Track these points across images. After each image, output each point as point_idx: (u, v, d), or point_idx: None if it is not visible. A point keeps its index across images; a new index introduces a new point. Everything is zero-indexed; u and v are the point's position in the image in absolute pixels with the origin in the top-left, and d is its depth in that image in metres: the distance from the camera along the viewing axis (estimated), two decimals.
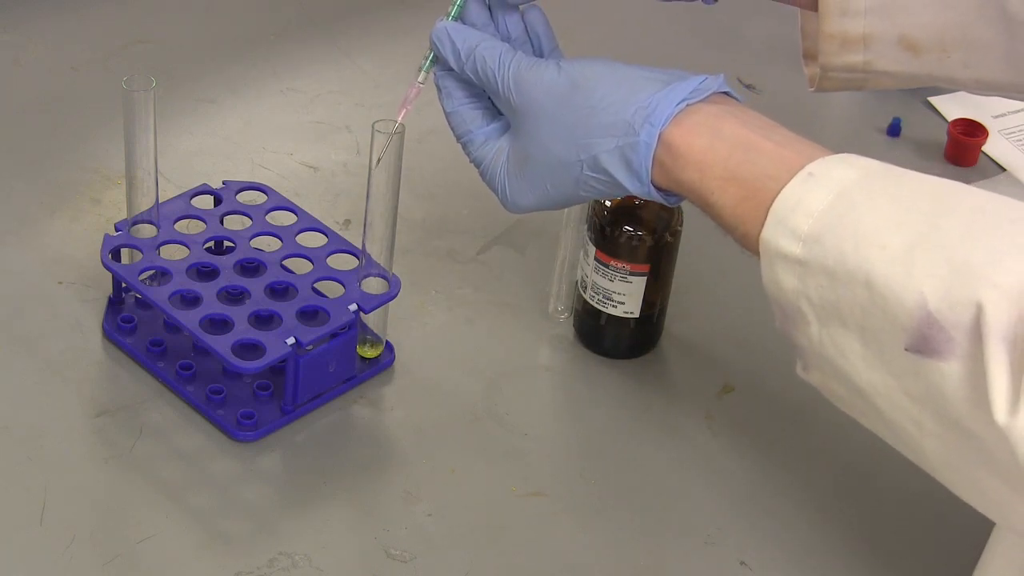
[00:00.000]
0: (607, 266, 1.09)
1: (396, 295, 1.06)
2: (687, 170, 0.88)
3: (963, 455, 0.79)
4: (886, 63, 1.03)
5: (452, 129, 0.98)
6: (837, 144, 1.36)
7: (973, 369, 0.76)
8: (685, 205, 1.10)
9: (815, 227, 0.82)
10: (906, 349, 0.78)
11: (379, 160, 1.01)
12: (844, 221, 0.81)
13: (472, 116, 0.97)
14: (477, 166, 0.98)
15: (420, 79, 1.00)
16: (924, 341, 0.77)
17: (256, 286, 1.06)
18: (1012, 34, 0.98)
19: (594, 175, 0.91)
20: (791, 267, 0.83)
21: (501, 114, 0.97)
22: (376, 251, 1.05)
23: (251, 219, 1.11)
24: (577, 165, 0.91)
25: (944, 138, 1.36)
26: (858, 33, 1.02)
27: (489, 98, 0.97)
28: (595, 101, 0.91)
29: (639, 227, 1.08)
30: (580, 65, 0.93)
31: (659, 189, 0.90)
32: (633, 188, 0.90)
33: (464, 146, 0.98)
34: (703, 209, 0.89)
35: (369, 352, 1.09)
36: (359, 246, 1.06)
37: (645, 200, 1.07)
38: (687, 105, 0.89)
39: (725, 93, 0.91)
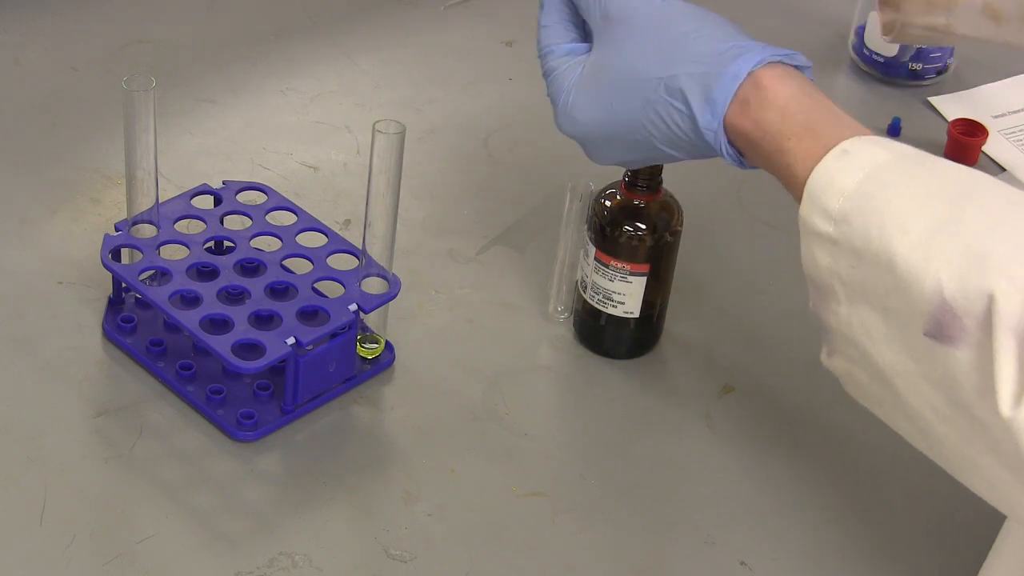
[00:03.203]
0: (607, 266, 1.09)
1: (396, 295, 1.06)
2: (770, 111, 0.88)
3: (973, 443, 0.80)
4: (967, 28, 1.05)
5: (538, 43, 0.98)
6: None
7: (983, 359, 0.77)
8: (686, 205, 1.10)
9: (845, 207, 0.83)
10: (924, 334, 0.79)
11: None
12: (872, 202, 0.82)
13: (562, 32, 0.97)
14: (548, 76, 0.97)
15: None
16: (939, 327, 0.78)
17: (256, 286, 1.06)
18: None
19: (668, 98, 0.90)
20: (825, 245, 0.84)
21: (588, 41, 0.97)
22: (376, 251, 1.05)
23: (251, 219, 1.11)
24: (654, 84, 0.90)
25: (944, 138, 1.36)
26: None
27: (583, 25, 0.97)
28: (691, 29, 0.91)
29: (639, 227, 1.07)
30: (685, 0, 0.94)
31: (726, 133, 0.89)
32: (703, 119, 0.89)
33: (544, 57, 0.97)
34: (768, 158, 0.88)
35: (369, 352, 1.09)
36: (359, 246, 1.06)
37: (645, 200, 1.07)
38: (778, 60, 0.90)
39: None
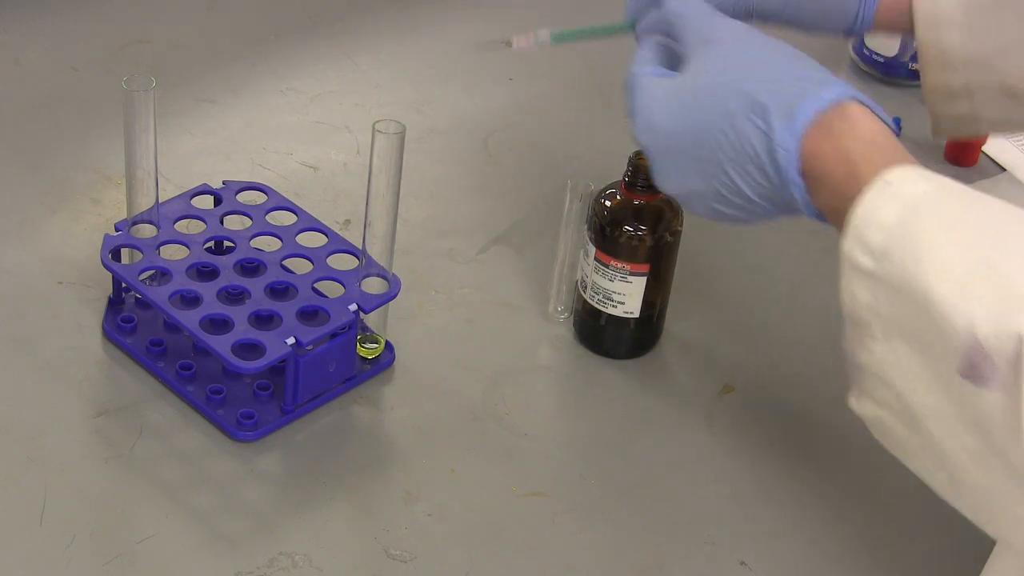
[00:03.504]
0: (607, 266, 1.09)
1: (396, 295, 1.06)
2: (855, 140, 0.86)
3: (1007, 489, 0.78)
4: (992, 111, 1.05)
5: (630, 68, 0.97)
6: None
7: (1012, 401, 0.75)
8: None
9: (886, 241, 0.81)
10: (958, 374, 0.77)
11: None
12: (911, 237, 0.80)
13: (653, 59, 0.97)
14: (631, 90, 0.95)
15: (544, 36, 1.05)
16: (972, 367, 0.77)
17: (256, 286, 1.06)
18: None
19: (748, 111, 0.88)
20: (865, 280, 0.82)
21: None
22: (376, 251, 1.05)
23: (251, 219, 1.11)
24: (738, 95, 0.89)
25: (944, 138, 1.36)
26: (960, 85, 1.05)
27: (675, 66, 0.97)
28: (783, 54, 0.91)
29: (639, 227, 1.08)
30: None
31: (799, 159, 0.87)
32: (780, 137, 0.87)
33: (630, 77, 0.96)
34: (837, 190, 0.86)
35: (369, 352, 1.09)
36: (359, 246, 1.06)
37: (645, 200, 1.07)
38: (864, 102, 0.89)
39: None
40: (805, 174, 0.87)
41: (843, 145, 0.86)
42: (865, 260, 0.82)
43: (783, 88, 0.88)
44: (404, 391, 1.09)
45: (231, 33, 1.40)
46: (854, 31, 1.06)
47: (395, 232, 1.04)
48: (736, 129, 0.89)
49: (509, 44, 1.07)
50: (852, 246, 0.83)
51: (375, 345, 1.09)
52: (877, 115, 0.88)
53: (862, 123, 0.87)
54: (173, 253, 1.08)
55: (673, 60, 0.97)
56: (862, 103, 0.88)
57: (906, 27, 1.08)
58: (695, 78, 0.92)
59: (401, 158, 1.01)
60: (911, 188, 0.83)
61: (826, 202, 0.87)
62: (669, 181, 0.94)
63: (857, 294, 0.83)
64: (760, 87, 0.88)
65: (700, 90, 0.91)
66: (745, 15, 1.07)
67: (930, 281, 0.79)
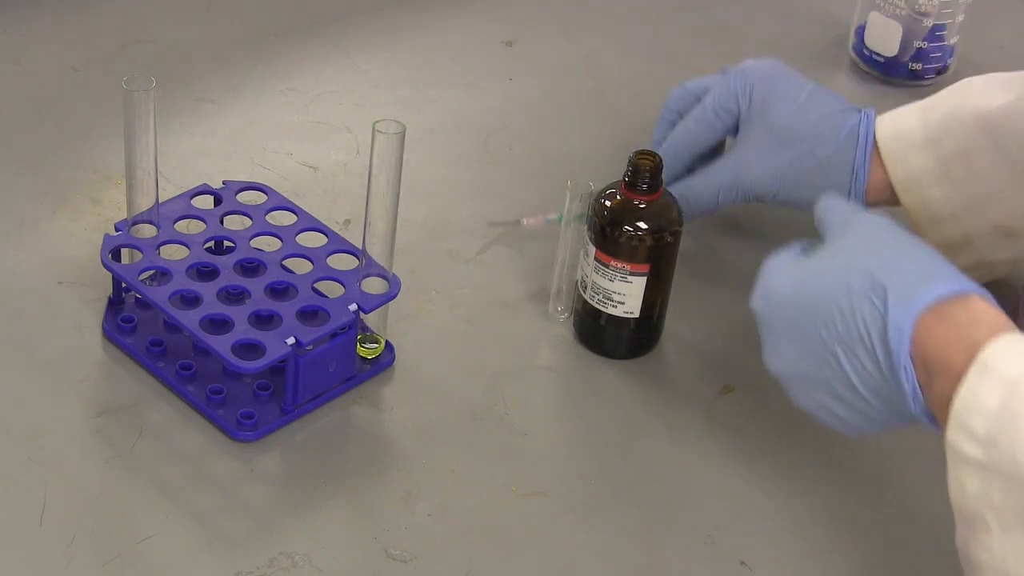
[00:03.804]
0: (607, 266, 1.09)
1: (396, 295, 1.06)
2: (977, 326, 0.84)
3: None
4: (995, 252, 1.07)
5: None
6: None
7: None
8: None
9: (991, 427, 0.80)
10: None
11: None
12: (1017, 421, 0.79)
13: (802, 244, 0.98)
14: (765, 263, 0.96)
15: (553, 217, 1.12)
16: None
17: (256, 286, 1.06)
18: None
19: (868, 290, 0.87)
20: (974, 471, 0.81)
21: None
22: (376, 251, 1.05)
23: (251, 219, 1.11)
24: (859, 274, 0.88)
25: None
26: (957, 236, 1.07)
27: None
28: (915, 245, 0.90)
29: (639, 227, 1.07)
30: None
31: (913, 343, 0.86)
32: (894, 318, 0.85)
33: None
34: (954, 376, 0.84)
35: (369, 352, 1.09)
36: (359, 246, 1.06)
37: (645, 200, 1.07)
38: (989, 299, 0.88)
39: None
40: (916, 362, 0.85)
41: (960, 333, 0.84)
42: (971, 449, 0.80)
43: (907, 275, 0.87)
44: (404, 391, 1.09)
45: (231, 33, 1.40)
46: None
47: (395, 232, 1.04)
48: (852, 306, 0.88)
49: (519, 223, 1.16)
50: (956, 435, 0.81)
51: (375, 345, 1.09)
52: (1000, 309, 0.86)
53: (982, 313, 0.85)
54: (173, 253, 1.07)
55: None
56: (984, 298, 0.86)
57: (895, 200, 1.11)
58: (823, 256, 0.92)
59: (401, 158, 1.01)
60: (1010, 367, 0.81)
61: (939, 392, 0.84)
62: (776, 358, 0.93)
63: (966, 486, 0.81)
64: (884, 271, 0.87)
65: (824, 266, 0.91)
66: (743, 197, 1.13)
67: None
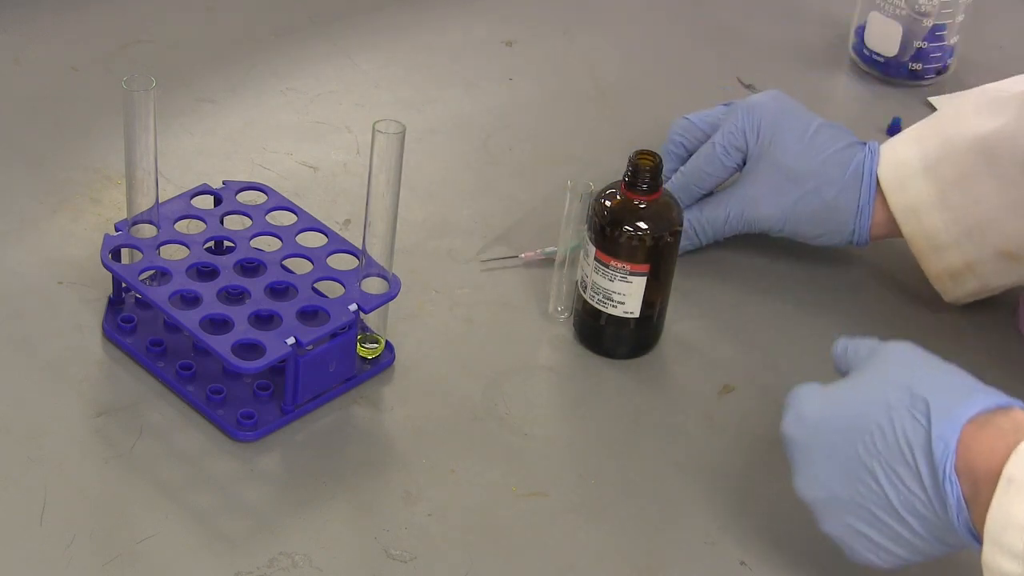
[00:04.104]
0: (607, 266, 1.09)
1: (396, 295, 1.06)
2: (1018, 434, 0.85)
3: None
4: (999, 278, 1.08)
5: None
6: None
7: None
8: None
9: None
10: None
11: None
12: None
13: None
14: (793, 391, 0.95)
15: (551, 249, 1.14)
16: None
17: (256, 286, 1.06)
18: None
19: (909, 406, 0.87)
20: None
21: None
22: (376, 251, 1.05)
23: (251, 219, 1.11)
24: (898, 390, 0.88)
25: None
26: (960, 263, 1.08)
27: None
28: (945, 367, 0.91)
29: (639, 227, 1.07)
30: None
31: (956, 453, 0.85)
32: (939, 429, 0.85)
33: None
34: (992, 486, 0.84)
35: (369, 352, 1.09)
36: (359, 246, 1.06)
37: (645, 200, 1.07)
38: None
39: None
40: (961, 474, 0.85)
41: (1007, 440, 0.84)
42: (1010, 566, 0.80)
43: (947, 390, 0.87)
44: (404, 391, 1.09)
45: (231, 33, 1.40)
46: (855, 243, 1.14)
47: (395, 232, 1.04)
48: (892, 422, 0.87)
49: (517, 256, 1.18)
50: (992, 553, 0.81)
51: (375, 345, 1.09)
52: None
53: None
54: (173, 253, 1.07)
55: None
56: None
57: (899, 233, 1.13)
58: (856, 379, 0.92)
59: (401, 158, 1.01)
60: None
61: (986, 502, 0.84)
62: (808, 482, 0.92)
63: None
64: (923, 386, 0.87)
65: (859, 386, 0.91)
66: (749, 228, 1.16)
67: None
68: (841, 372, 0.98)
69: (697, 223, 1.16)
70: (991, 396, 0.87)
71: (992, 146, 1.07)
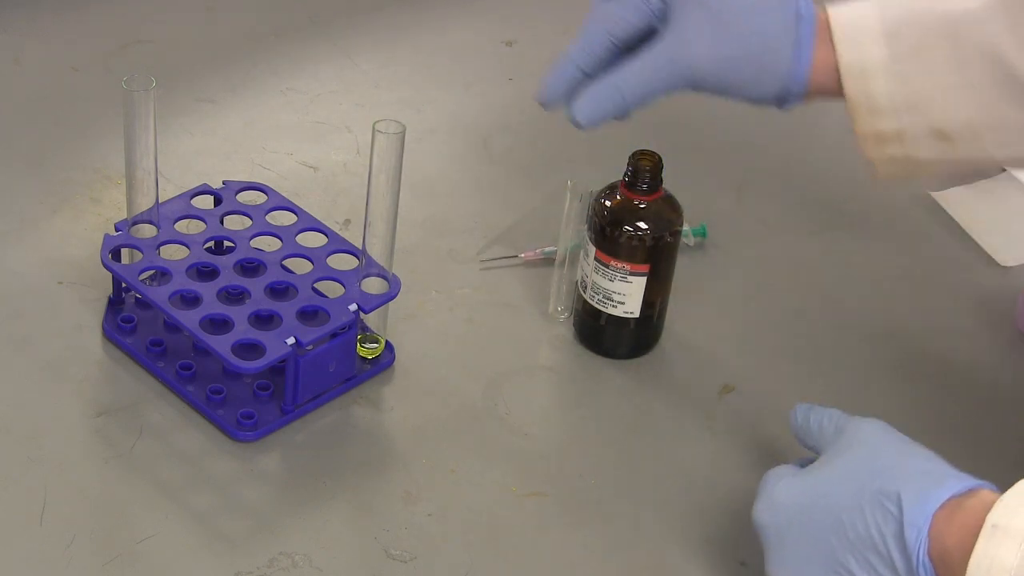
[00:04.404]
0: (607, 266, 1.09)
1: (396, 295, 1.06)
2: (985, 512, 0.85)
3: None
4: (925, 152, 1.05)
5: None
6: (836, 145, 1.37)
7: None
8: (686, 205, 1.10)
9: None
10: None
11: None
12: None
13: (794, 463, 0.99)
14: (764, 478, 0.96)
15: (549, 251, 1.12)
16: None
17: (256, 286, 1.06)
18: None
19: (880, 497, 0.88)
20: None
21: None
22: (376, 251, 1.05)
23: (251, 219, 1.11)
24: (870, 480, 0.89)
25: None
26: (891, 130, 1.04)
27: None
28: (918, 451, 0.91)
29: (639, 227, 1.07)
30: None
31: (929, 539, 0.87)
32: (911, 516, 0.86)
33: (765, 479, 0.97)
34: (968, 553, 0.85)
35: (369, 352, 1.09)
36: (359, 246, 1.06)
37: (645, 200, 1.07)
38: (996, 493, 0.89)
39: None
40: (934, 559, 0.86)
41: (978, 518, 0.84)
42: None
43: (917, 477, 0.88)
44: (404, 391, 1.09)
45: (231, 33, 1.40)
46: (790, 93, 1.04)
47: (395, 232, 1.04)
48: (863, 512, 0.89)
49: (517, 256, 1.16)
50: None
51: (375, 345, 1.09)
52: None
53: (994, 499, 0.85)
54: (173, 253, 1.08)
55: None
56: (994, 490, 0.87)
57: (836, 89, 1.07)
58: (826, 465, 0.93)
59: (401, 158, 1.01)
60: (1021, 522, 0.82)
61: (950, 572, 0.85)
62: (782, 569, 0.93)
63: None
64: (895, 474, 0.88)
65: (829, 474, 0.92)
66: (683, 83, 1.03)
67: None
68: (803, 444, 0.99)
69: (623, 82, 1.02)
70: (961, 480, 0.88)
71: (958, 26, 1.04)
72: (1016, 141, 1.01)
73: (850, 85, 1.05)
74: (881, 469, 0.89)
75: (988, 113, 1.00)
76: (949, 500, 0.87)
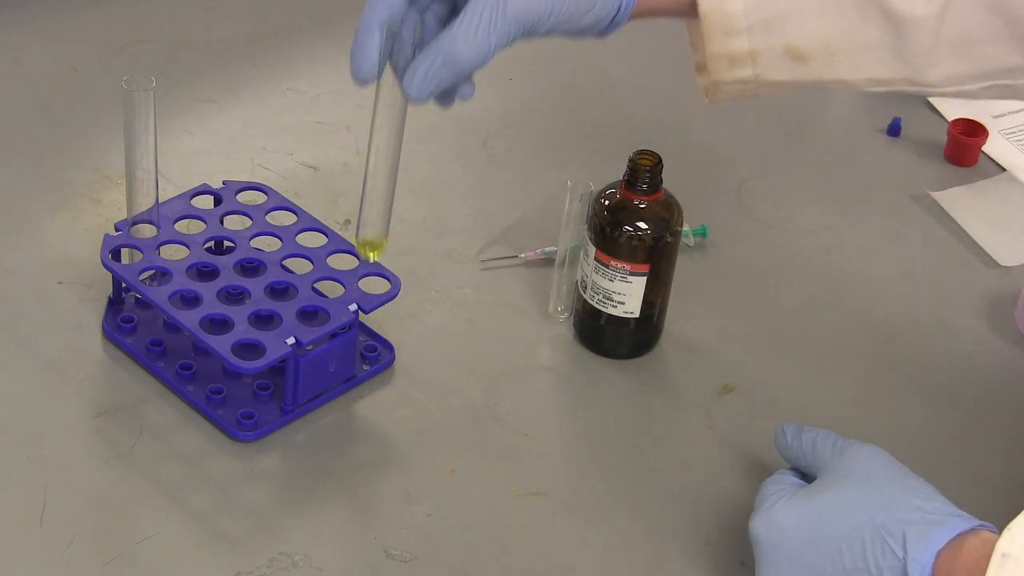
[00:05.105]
0: (607, 266, 1.09)
1: (396, 295, 1.06)
2: (988, 553, 0.86)
3: None
4: (776, 73, 1.02)
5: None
6: (837, 144, 1.37)
7: None
8: (686, 205, 1.10)
9: None
10: None
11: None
12: None
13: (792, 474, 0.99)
14: (765, 481, 0.97)
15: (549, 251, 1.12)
16: None
17: (256, 286, 1.06)
18: (897, 31, 0.97)
19: (882, 531, 0.89)
20: None
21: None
22: (375, 210, 1.00)
23: (251, 219, 1.11)
24: (872, 513, 0.90)
25: (944, 138, 1.36)
26: (744, 50, 1.01)
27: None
28: (920, 485, 0.92)
29: (639, 227, 1.07)
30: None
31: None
32: (914, 553, 0.87)
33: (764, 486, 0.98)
34: None
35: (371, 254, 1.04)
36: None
37: (645, 200, 1.08)
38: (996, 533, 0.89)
39: None
40: None
41: (977, 556, 0.86)
42: None
43: (922, 516, 0.88)
44: (404, 391, 1.09)
45: (231, 33, 1.40)
46: (621, 15, 0.99)
47: (394, 192, 1.01)
48: (864, 545, 0.89)
49: (517, 256, 1.16)
50: None
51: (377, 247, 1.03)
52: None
53: (995, 539, 0.86)
54: (173, 253, 1.07)
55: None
56: (993, 531, 0.88)
57: (669, 8, 1.02)
58: (826, 489, 0.93)
59: (404, 119, 0.99)
60: None
61: None
62: None
63: None
64: (899, 512, 0.89)
65: (834, 499, 0.92)
66: (516, 30, 0.96)
67: None
68: (791, 462, 0.99)
69: (452, 43, 0.94)
70: (963, 520, 0.88)
71: None
72: (872, 62, 0.99)
73: (705, 4, 1.01)
74: (885, 504, 0.90)
75: (846, 33, 0.98)
76: (953, 539, 0.87)
